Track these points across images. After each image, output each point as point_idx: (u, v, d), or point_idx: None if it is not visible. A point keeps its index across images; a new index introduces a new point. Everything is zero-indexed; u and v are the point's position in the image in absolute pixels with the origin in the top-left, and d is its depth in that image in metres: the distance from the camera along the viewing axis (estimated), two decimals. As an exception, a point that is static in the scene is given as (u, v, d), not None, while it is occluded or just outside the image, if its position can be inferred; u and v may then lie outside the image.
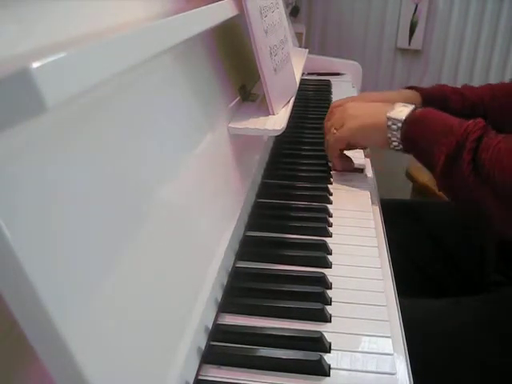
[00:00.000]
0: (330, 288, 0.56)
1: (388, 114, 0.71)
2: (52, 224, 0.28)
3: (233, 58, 0.75)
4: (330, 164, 0.88)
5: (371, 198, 0.78)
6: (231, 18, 0.64)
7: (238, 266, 0.59)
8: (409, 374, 0.45)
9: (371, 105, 0.78)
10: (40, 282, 0.26)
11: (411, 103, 0.81)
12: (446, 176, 0.65)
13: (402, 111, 0.71)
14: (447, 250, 0.93)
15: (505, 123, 0.81)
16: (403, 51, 1.94)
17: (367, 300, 0.53)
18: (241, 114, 0.69)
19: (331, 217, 0.71)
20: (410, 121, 0.70)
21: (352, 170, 0.86)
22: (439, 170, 0.65)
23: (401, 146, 0.72)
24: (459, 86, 0.97)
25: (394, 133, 0.71)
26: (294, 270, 0.58)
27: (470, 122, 0.64)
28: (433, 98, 0.93)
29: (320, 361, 0.44)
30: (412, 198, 1.72)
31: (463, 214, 0.78)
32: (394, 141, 0.72)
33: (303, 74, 1.35)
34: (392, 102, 0.76)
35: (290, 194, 0.77)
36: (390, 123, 0.71)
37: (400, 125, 0.70)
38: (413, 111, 0.70)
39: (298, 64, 0.97)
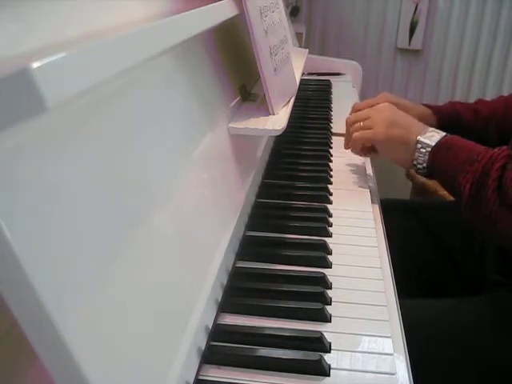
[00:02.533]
0: (330, 288, 0.56)
1: (419, 137, 0.73)
2: (52, 224, 0.28)
3: (233, 58, 0.75)
4: (330, 164, 0.89)
5: (371, 197, 0.78)
6: (231, 18, 0.64)
7: (237, 265, 0.59)
8: (409, 374, 0.45)
9: (406, 117, 0.78)
10: (40, 281, 0.26)
11: (425, 120, 0.85)
12: (471, 203, 0.65)
13: (433, 136, 0.73)
14: (447, 250, 0.93)
15: None
16: (403, 51, 1.94)
17: (367, 300, 0.53)
18: (241, 114, 0.69)
19: (331, 217, 0.71)
20: (437, 147, 0.71)
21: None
22: (465, 198, 0.66)
23: (425, 170, 0.73)
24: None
25: (421, 156, 0.72)
26: (294, 270, 0.58)
27: (495, 150, 0.66)
28: (445, 115, 0.95)
29: (320, 361, 0.44)
30: (412, 198, 1.72)
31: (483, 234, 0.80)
32: (420, 163, 0.73)
33: (303, 74, 1.35)
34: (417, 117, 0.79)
35: (290, 193, 0.77)
36: (419, 146, 0.73)
37: (429, 149, 0.72)
38: (442, 138, 0.72)
39: (297, 64, 0.97)
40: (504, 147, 0.66)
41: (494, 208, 0.62)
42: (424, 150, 0.72)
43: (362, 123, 0.80)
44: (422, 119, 0.95)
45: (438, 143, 0.71)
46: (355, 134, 0.80)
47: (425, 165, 0.72)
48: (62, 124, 0.31)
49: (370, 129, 0.78)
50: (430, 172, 0.73)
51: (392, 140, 0.76)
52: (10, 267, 0.25)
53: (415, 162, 0.73)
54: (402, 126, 0.76)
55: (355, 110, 0.96)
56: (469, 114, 0.95)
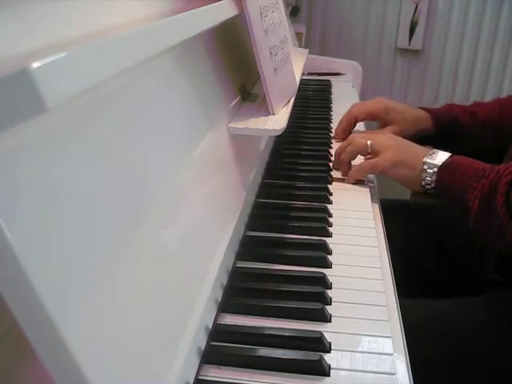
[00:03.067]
0: (330, 288, 0.56)
1: (425, 159, 0.74)
2: (52, 224, 0.28)
3: (233, 58, 0.75)
4: (330, 164, 0.89)
5: (371, 197, 0.78)
6: (231, 18, 0.64)
7: (237, 265, 0.59)
8: (409, 374, 0.45)
9: (410, 144, 0.80)
10: (40, 281, 0.26)
11: (422, 123, 0.91)
12: (480, 219, 0.67)
13: (439, 157, 0.74)
14: (447, 250, 0.93)
15: None
16: (403, 51, 1.94)
17: (367, 300, 0.53)
18: (241, 114, 0.69)
19: (331, 217, 0.71)
20: (444, 167, 0.73)
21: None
22: (474, 214, 0.67)
23: (433, 190, 0.75)
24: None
25: (429, 176, 0.74)
26: (294, 270, 0.58)
27: (501, 166, 0.67)
28: (443, 118, 0.95)
29: (320, 361, 0.44)
30: (412, 198, 1.72)
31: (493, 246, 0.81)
32: (428, 184, 0.75)
33: (303, 74, 1.35)
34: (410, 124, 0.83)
35: (290, 193, 0.77)
36: (425, 167, 0.74)
37: (436, 169, 0.73)
38: (448, 158, 0.74)
39: (297, 64, 0.97)
40: (510, 163, 0.67)
41: (504, 222, 0.64)
42: (431, 171, 0.74)
43: (369, 142, 0.81)
44: (418, 122, 0.95)
45: (445, 163, 0.73)
46: (364, 164, 0.81)
47: (433, 185, 0.74)
48: (62, 124, 0.31)
49: (377, 155, 0.80)
50: (438, 191, 0.74)
51: (400, 165, 0.77)
52: (10, 267, 0.25)
53: (423, 183, 0.75)
54: (407, 151, 0.78)
55: (350, 110, 0.98)
56: (466, 117, 0.96)
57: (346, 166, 0.84)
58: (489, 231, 0.66)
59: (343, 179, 0.84)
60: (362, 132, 0.89)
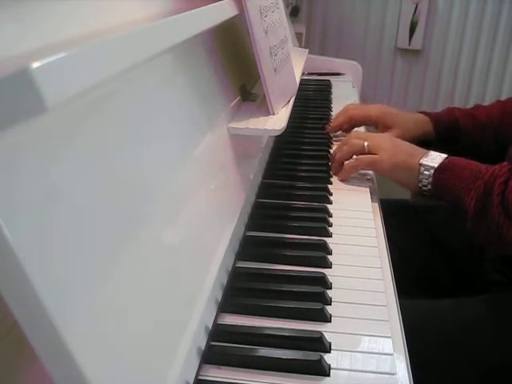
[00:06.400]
0: (330, 288, 0.56)
1: (421, 161, 0.75)
2: (52, 224, 0.28)
3: (233, 58, 0.75)
4: (330, 164, 0.89)
5: (371, 197, 0.78)
6: (231, 18, 0.64)
7: (237, 265, 0.59)
8: (409, 373, 0.45)
9: (408, 145, 0.81)
10: (40, 281, 0.26)
11: (422, 127, 0.92)
12: (477, 220, 0.68)
13: (435, 158, 0.75)
14: (447, 250, 0.93)
15: None
16: (403, 51, 1.94)
17: (367, 300, 0.53)
18: (241, 114, 0.69)
19: (331, 217, 0.71)
20: (440, 168, 0.73)
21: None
22: (470, 215, 0.68)
23: (430, 192, 0.75)
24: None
25: (425, 178, 0.75)
26: (294, 270, 0.58)
27: (496, 166, 0.68)
28: (443, 121, 0.95)
29: (320, 361, 0.44)
30: (412, 198, 1.72)
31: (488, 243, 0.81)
32: (425, 185, 0.75)
33: (303, 74, 1.35)
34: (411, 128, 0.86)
35: (290, 194, 0.77)
36: (422, 169, 0.75)
37: (432, 171, 0.74)
38: (444, 159, 0.74)
39: (297, 64, 0.97)
40: (504, 163, 0.68)
41: (500, 222, 0.64)
42: (428, 173, 0.74)
43: (366, 143, 0.81)
44: (418, 126, 0.95)
45: (441, 164, 0.73)
46: (361, 157, 0.81)
47: (430, 186, 0.75)
48: (62, 124, 0.31)
49: (375, 154, 0.80)
50: (435, 193, 0.75)
51: (396, 166, 0.78)
52: (10, 267, 0.25)
53: (420, 185, 0.76)
54: (404, 152, 0.78)
55: (346, 108, 0.98)
56: (466, 120, 0.96)
57: (338, 166, 0.84)
58: (486, 231, 0.67)
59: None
60: (360, 133, 0.89)
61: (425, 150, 0.78)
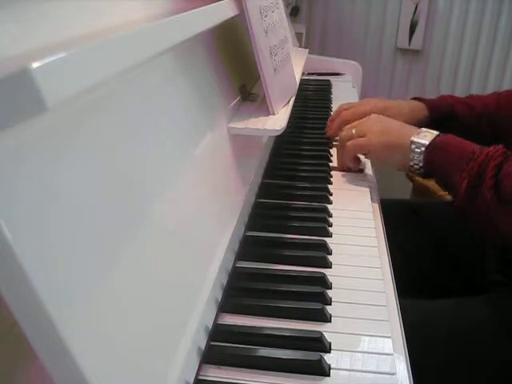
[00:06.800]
0: (330, 288, 0.56)
1: (412, 138, 0.73)
2: (52, 224, 0.28)
3: (233, 57, 0.75)
4: (331, 164, 0.89)
5: (371, 197, 0.78)
6: (231, 18, 0.64)
7: (237, 265, 0.59)
8: (409, 374, 0.45)
9: (398, 124, 0.80)
10: (40, 282, 0.26)
11: (417, 113, 0.89)
12: (467, 201, 0.66)
13: (426, 136, 0.73)
14: (447, 250, 0.93)
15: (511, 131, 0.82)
16: (403, 51, 1.94)
17: (367, 300, 0.53)
18: (241, 114, 0.69)
19: (331, 217, 0.71)
20: (432, 146, 0.72)
21: (356, 171, 0.86)
22: (461, 196, 0.66)
23: (422, 170, 0.74)
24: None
25: (417, 156, 0.73)
26: (294, 270, 0.58)
27: (491, 148, 0.66)
28: (439, 109, 0.95)
29: (320, 361, 0.44)
30: (412, 198, 1.72)
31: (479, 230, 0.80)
32: (416, 164, 0.74)
33: (303, 74, 1.35)
34: (407, 117, 0.82)
35: (290, 194, 0.77)
36: (413, 146, 0.73)
37: (423, 149, 0.72)
38: (436, 137, 0.72)
39: (297, 64, 0.97)
40: (499, 146, 0.67)
41: (492, 205, 0.63)
42: (419, 150, 0.72)
43: (354, 130, 0.80)
44: (414, 113, 0.94)
45: (433, 142, 0.72)
46: (349, 143, 0.81)
47: (421, 164, 0.73)
48: (62, 124, 0.31)
49: (363, 137, 0.79)
50: (426, 171, 0.73)
51: (386, 145, 0.77)
52: (9, 267, 0.25)
53: (411, 163, 0.74)
54: (394, 131, 0.77)
55: (339, 110, 0.97)
56: (462, 107, 0.95)
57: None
58: (475, 214, 0.66)
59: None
60: (349, 125, 0.87)
61: (416, 128, 0.76)
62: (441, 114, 0.94)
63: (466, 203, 0.66)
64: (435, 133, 0.73)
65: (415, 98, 0.98)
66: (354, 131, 0.80)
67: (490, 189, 0.63)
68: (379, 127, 0.79)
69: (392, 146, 0.76)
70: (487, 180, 0.63)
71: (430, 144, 0.72)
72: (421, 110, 0.95)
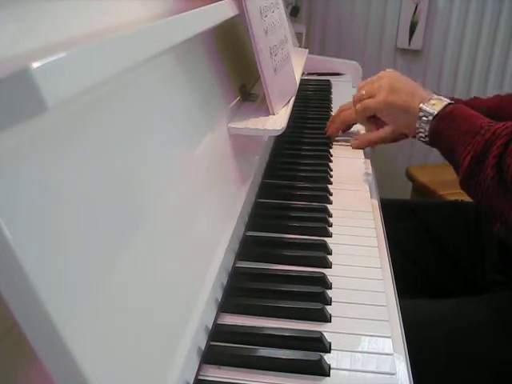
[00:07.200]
0: (330, 288, 0.56)
1: (421, 105, 0.71)
2: (52, 224, 0.28)
3: (233, 58, 0.75)
4: (330, 164, 0.89)
5: (371, 197, 0.78)
6: (231, 18, 0.64)
7: (238, 265, 0.59)
8: (409, 374, 0.45)
9: (411, 85, 0.76)
10: (40, 282, 0.26)
11: None
12: (469, 176, 0.65)
13: (435, 104, 0.71)
14: (447, 250, 0.93)
15: None
16: (403, 51, 1.94)
17: (367, 300, 0.53)
18: (241, 114, 0.69)
19: (331, 217, 0.71)
20: (440, 116, 0.69)
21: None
22: (463, 170, 0.65)
23: (427, 139, 0.72)
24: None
25: (423, 125, 0.71)
26: (294, 270, 0.58)
27: (500, 125, 0.64)
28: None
29: (320, 361, 0.44)
30: (412, 198, 1.72)
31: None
32: (422, 132, 0.71)
33: (303, 73, 1.35)
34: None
35: (290, 194, 0.77)
36: (421, 114, 0.71)
37: (431, 118, 0.70)
38: (445, 106, 0.70)
39: (297, 64, 0.97)
40: (509, 123, 0.64)
41: (492, 184, 0.62)
42: (426, 119, 0.70)
43: (363, 91, 0.79)
44: None
45: (441, 112, 0.69)
46: (357, 106, 0.80)
47: (426, 133, 0.71)
48: (62, 124, 0.31)
49: (372, 97, 0.77)
50: (431, 140, 0.71)
51: (393, 107, 0.74)
52: (9, 267, 0.25)
53: (417, 131, 0.72)
54: (404, 92, 0.74)
55: (340, 110, 0.97)
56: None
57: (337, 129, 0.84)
58: (475, 189, 0.65)
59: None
60: (362, 83, 0.86)
61: (427, 92, 0.74)
62: None
63: (468, 177, 0.65)
64: (445, 101, 0.71)
65: None
66: (363, 92, 0.79)
67: (492, 167, 0.62)
68: (390, 85, 0.76)
69: (399, 109, 0.74)
70: (490, 158, 0.62)
71: (437, 114, 0.70)
72: None
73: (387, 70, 0.82)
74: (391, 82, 0.77)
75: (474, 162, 0.64)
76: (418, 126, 0.71)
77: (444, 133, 0.69)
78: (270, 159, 0.88)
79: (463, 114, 0.69)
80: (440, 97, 0.72)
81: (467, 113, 0.69)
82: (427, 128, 0.70)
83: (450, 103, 0.71)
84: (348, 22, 1.94)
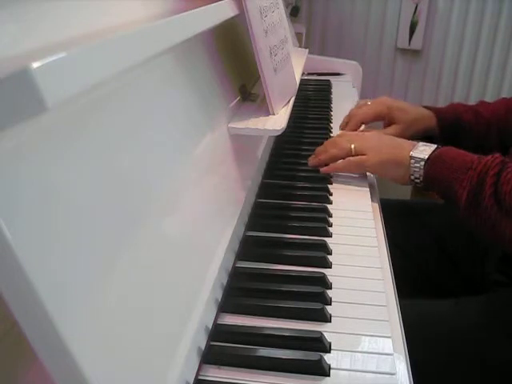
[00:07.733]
0: (330, 288, 0.56)
1: (411, 153, 0.75)
2: (52, 224, 0.28)
3: (233, 58, 0.75)
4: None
5: (371, 197, 0.78)
6: (231, 18, 0.64)
7: (238, 265, 0.59)
8: (409, 374, 0.45)
9: (395, 140, 0.81)
10: (40, 281, 0.26)
11: (425, 121, 0.93)
12: (469, 210, 0.67)
13: (424, 150, 0.75)
14: (447, 250, 0.93)
15: None
16: (403, 51, 1.94)
17: (367, 300, 0.53)
18: (241, 114, 0.69)
19: (331, 217, 0.71)
20: (431, 160, 0.73)
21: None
22: (463, 205, 0.68)
23: (422, 184, 0.75)
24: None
25: (417, 170, 0.74)
26: (294, 270, 0.58)
27: (489, 157, 0.68)
28: (446, 117, 0.95)
29: (320, 361, 0.44)
30: (412, 198, 1.72)
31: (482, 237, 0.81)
32: (417, 178, 0.75)
33: (303, 73, 1.35)
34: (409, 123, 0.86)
35: (290, 194, 0.77)
36: (412, 161, 0.74)
37: (423, 163, 0.73)
38: (434, 150, 0.74)
39: (297, 64, 0.97)
40: (496, 155, 0.68)
41: (492, 213, 0.64)
42: (418, 165, 0.74)
43: (353, 146, 0.80)
44: (421, 120, 0.95)
45: (431, 156, 0.73)
46: (351, 159, 0.81)
47: (421, 178, 0.74)
48: (62, 124, 0.31)
49: (362, 155, 0.80)
50: (426, 184, 0.75)
51: (385, 163, 0.78)
52: (9, 267, 0.25)
53: (412, 177, 0.75)
54: (392, 148, 0.78)
55: (358, 116, 0.98)
56: (470, 116, 0.95)
57: (319, 163, 0.84)
58: (478, 221, 0.67)
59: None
60: (347, 134, 0.88)
61: (413, 142, 0.77)
62: (448, 122, 0.95)
63: (469, 211, 0.67)
64: (433, 146, 0.75)
65: (425, 107, 0.99)
66: (353, 146, 0.80)
67: (490, 196, 0.65)
68: (376, 144, 0.80)
69: (390, 163, 0.77)
70: (487, 188, 0.65)
71: (429, 158, 0.73)
72: (429, 118, 0.96)
73: (370, 132, 0.87)
74: (379, 140, 0.81)
75: (471, 196, 0.67)
76: (411, 172, 0.75)
77: (438, 174, 0.72)
78: (269, 159, 0.88)
79: (452, 153, 0.72)
80: (426, 143, 0.76)
81: (455, 152, 0.73)
82: (421, 173, 0.74)
83: (437, 147, 0.75)
84: (348, 22, 1.94)
